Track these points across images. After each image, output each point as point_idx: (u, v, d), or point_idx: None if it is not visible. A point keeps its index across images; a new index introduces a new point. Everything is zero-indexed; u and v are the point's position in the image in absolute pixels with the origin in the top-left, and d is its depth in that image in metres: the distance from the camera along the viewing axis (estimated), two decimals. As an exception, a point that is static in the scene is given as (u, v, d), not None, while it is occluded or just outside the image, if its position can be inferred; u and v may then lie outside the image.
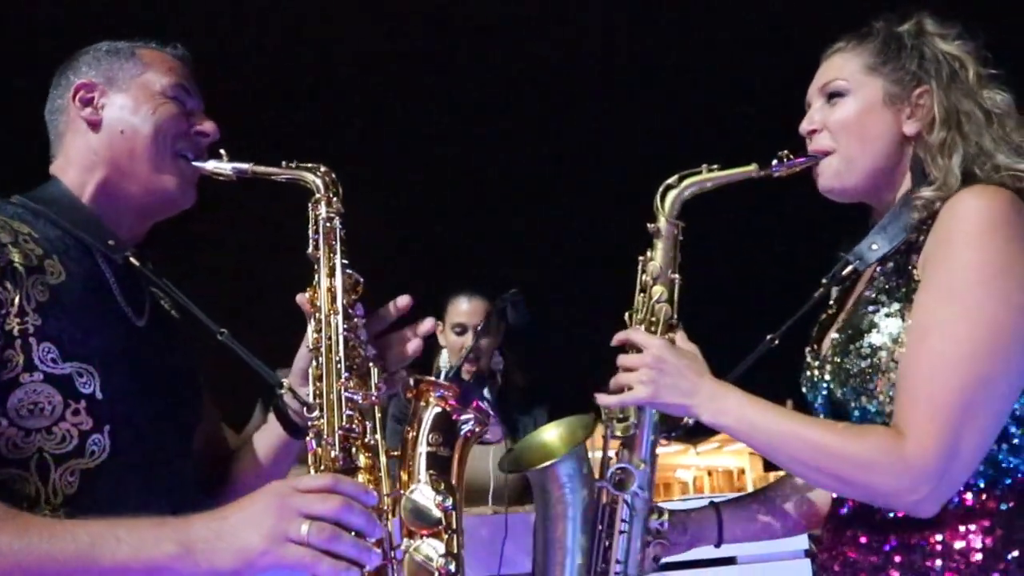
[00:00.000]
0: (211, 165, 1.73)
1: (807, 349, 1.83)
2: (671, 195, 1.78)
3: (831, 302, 1.86)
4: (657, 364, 1.65)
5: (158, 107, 1.70)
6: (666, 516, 1.76)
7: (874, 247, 1.72)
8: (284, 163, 1.74)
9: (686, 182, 1.78)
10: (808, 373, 1.79)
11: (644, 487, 1.75)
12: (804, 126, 1.79)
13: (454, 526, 1.51)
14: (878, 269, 1.70)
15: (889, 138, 1.72)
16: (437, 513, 1.49)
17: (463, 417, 1.64)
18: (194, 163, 1.72)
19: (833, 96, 1.76)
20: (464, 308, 3.64)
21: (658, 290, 1.76)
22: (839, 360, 1.66)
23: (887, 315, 1.61)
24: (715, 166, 1.78)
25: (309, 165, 1.74)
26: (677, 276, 1.77)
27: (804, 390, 1.79)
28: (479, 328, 3.47)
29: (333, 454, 1.51)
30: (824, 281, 1.80)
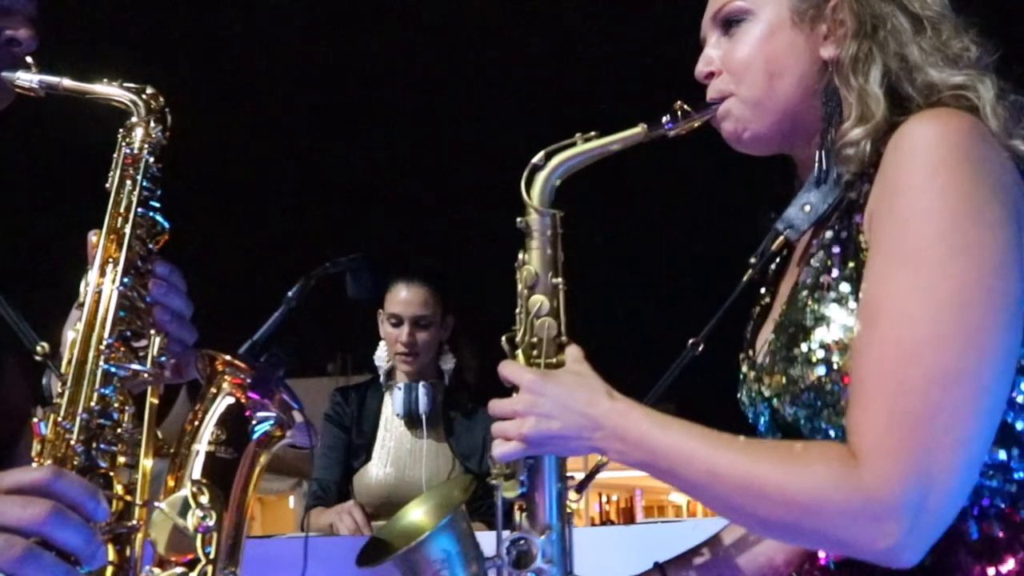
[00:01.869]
0: (17, 77, 1.41)
1: (740, 356, 1.43)
2: (539, 179, 1.39)
3: (763, 290, 1.46)
4: (531, 407, 1.27)
5: None
6: None
7: (807, 208, 1.33)
8: (106, 80, 1.44)
9: (555, 160, 1.39)
10: (745, 388, 1.39)
11: (554, 559, 1.34)
12: (699, 68, 1.41)
13: (212, 555, 1.17)
14: (813, 243, 1.31)
15: (802, 68, 1.34)
16: (191, 534, 1.15)
17: (260, 414, 1.27)
18: None
19: (730, 24, 1.38)
20: (402, 296, 3.16)
21: (536, 301, 1.37)
22: (783, 368, 1.27)
23: (835, 301, 1.22)
24: (592, 133, 1.39)
25: (134, 85, 1.44)
26: (560, 280, 1.38)
27: (743, 409, 1.39)
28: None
29: (70, 442, 1.14)
30: (752, 260, 1.40)
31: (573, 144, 1.39)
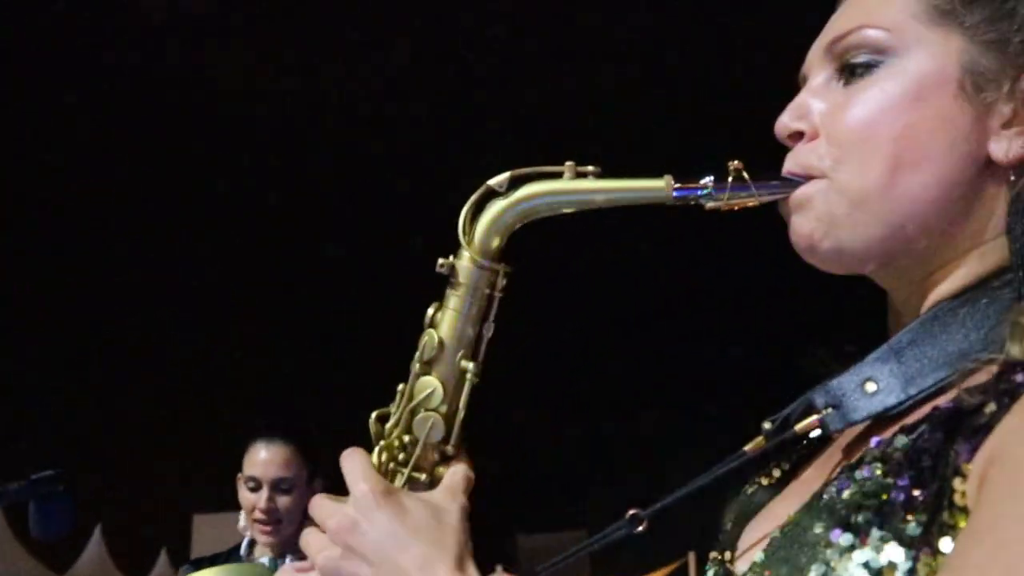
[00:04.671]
0: None
1: (711, 555, 0.96)
2: (491, 212, 0.92)
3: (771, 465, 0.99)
4: (344, 532, 0.85)
5: None
6: None
7: (871, 388, 0.84)
8: None
9: (524, 191, 0.92)
10: None
11: None
12: (784, 120, 0.92)
13: None
14: (872, 440, 0.82)
15: (952, 163, 0.84)
16: None
17: None
18: None
19: (855, 60, 0.87)
20: (260, 457, 2.81)
21: (428, 386, 0.93)
22: None
23: (864, 566, 0.73)
24: (590, 168, 0.92)
25: None
26: (473, 367, 0.93)
27: None
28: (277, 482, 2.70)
29: None
30: (766, 426, 0.92)
31: (558, 176, 0.92)
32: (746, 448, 0.93)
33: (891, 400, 0.82)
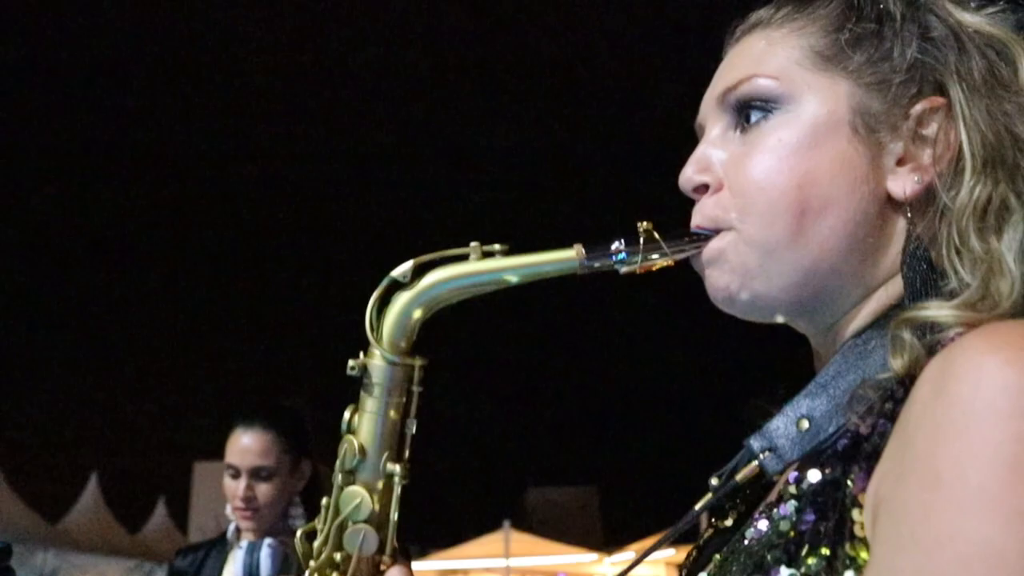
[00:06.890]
0: None
1: None
2: (398, 305, 0.88)
3: (729, 508, 0.97)
4: None
5: None
6: None
7: (804, 425, 0.83)
8: None
9: (431, 279, 0.88)
10: None
11: None
12: (688, 174, 0.90)
13: None
14: (790, 476, 0.80)
15: (854, 205, 0.84)
16: None
17: None
18: None
19: (748, 111, 0.86)
20: (240, 444, 2.71)
21: (354, 496, 0.87)
22: None
23: None
24: (496, 247, 0.88)
25: None
26: (399, 468, 0.88)
27: None
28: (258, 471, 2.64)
29: None
30: (713, 482, 0.90)
31: (464, 258, 0.88)
32: (696, 507, 0.92)
33: (822, 435, 0.82)
